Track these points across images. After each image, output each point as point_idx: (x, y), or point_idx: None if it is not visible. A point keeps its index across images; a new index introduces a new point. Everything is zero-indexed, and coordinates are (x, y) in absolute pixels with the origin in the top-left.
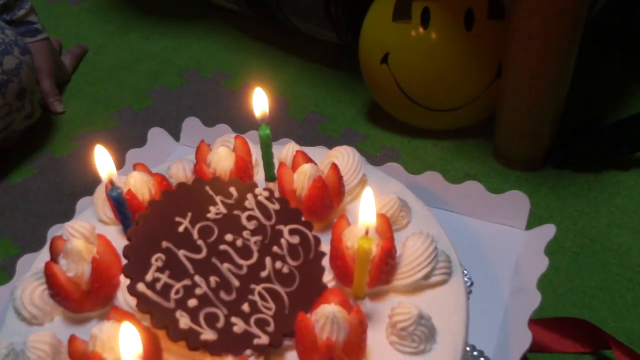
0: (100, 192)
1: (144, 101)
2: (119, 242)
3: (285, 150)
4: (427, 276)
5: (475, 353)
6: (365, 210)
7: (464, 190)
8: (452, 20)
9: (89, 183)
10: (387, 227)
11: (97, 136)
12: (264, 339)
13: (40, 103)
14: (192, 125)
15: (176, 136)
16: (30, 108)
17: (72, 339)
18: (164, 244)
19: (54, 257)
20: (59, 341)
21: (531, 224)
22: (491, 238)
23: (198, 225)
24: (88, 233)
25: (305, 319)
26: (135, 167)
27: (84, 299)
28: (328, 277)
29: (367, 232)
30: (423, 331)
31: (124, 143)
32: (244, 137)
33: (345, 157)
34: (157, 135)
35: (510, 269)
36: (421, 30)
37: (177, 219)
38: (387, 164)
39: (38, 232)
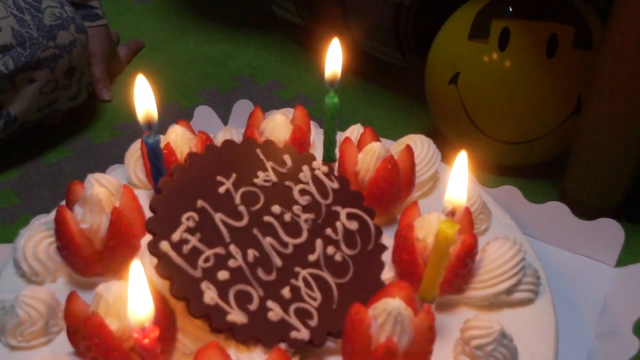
0: (134, 149)
1: (193, 100)
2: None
3: (351, 131)
4: (510, 290)
5: None
6: (456, 181)
7: (546, 211)
8: (533, 44)
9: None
10: (469, 221)
11: (140, 127)
12: (303, 334)
13: (89, 88)
14: (244, 109)
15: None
16: (77, 89)
17: (72, 295)
18: (200, 202)
19: (69, 205)
20: (57, 302)
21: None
22: (574, 271)
23: (242, 190)
24: (112, 187)
25: (361, 311)
26: (178, 122)
27: (95, 259)
28: (388, 275)
29: (452, 214)
30: (504, 354)
31: None
32: (304, 108)
33: (419, 145)
34: (204, 113)
35: (597, 308)
36: (498, 51)
37: (219, 178)
38: None
39: None
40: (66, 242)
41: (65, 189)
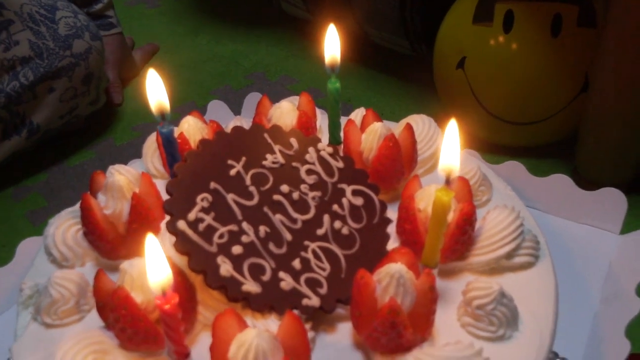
0: (151, 141)
1: (208, 98)
2: (165, 196)
3: (354, 114)
4: (510, 255)
5: None
6: (448, 149)
7: (549, 184)
8: (537, 25)
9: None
10: (467, 191)
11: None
12: (314, 301)
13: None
14: (254, 101)
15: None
16: (96, 94)
17: (100, 273)
18: (212, 184)
19: (93, 193)
20: (87, 282)
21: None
22: (579, 240)
23: (252, 172)
24: (131, 176)
25: (366, 276)
26: (190, 113)
27: (119, 243)
28: (393, 245)
29: (447, 182)
30: (504, 312)
31: None
32: (309, 95)
33: (420, 124)
34: (216, 107)
35: (602, 274)
36: (503, 34)
37: (230, 161)
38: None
39: None
40: (92, 228)
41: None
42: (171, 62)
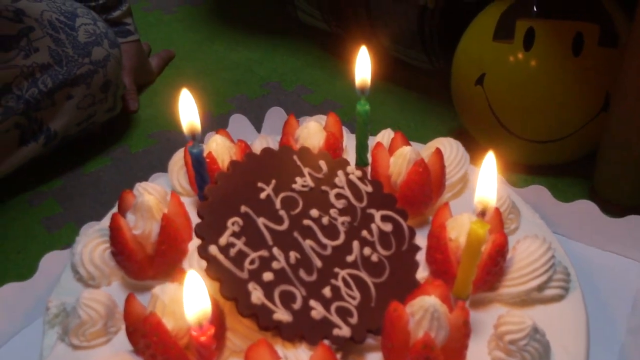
0: (177, 158)
1: (224, 106)
2: (192, 215)
3: (381, 135)
4: (541, 287)
5: None
6: (485, 183)
7: (574, 210)
8: (558, 43)
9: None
10: (499, 220)
11: (174, 135)
12: (345, 331)
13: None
14: (276, 116)
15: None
16: (113, 101)
17: (130, 297)
18: (243, 208)
19: (122, 212)
20: (115, 303)
21: None
22: (604, 269)
23: (281, 195)
24: (159, 195)
25: (399, 308)
26: (218, 132)
27: (147, 264)
28: (423, 274)
29: (483, 214)
30: (537, 348)
31: None
32: (337, 115)
33: (448, 149)
34: (238, 121)
35: (627, 304)
36: (523, 51)
37: (260, 184)
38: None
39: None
40: (120, 248)
41: (105, 197)
42: (187, 69)
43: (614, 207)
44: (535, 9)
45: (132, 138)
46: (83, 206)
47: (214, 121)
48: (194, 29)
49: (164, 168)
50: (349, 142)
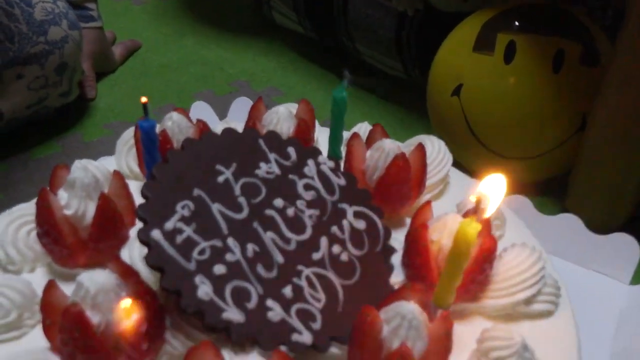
0: (127, 137)
1: (188, 101)
2: (138, 200)
3: (358, 127)
4: (529, 301)
5: None
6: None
7: (557, 224)
8: (539, 58)
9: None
10: (487, 224)
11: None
12: (305, 337)
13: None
14: (242, 106)
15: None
16: (68, 86)
17: (51, 283)
18: (196, 191)
19: (53, 190)
20: (34, 293)
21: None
22: (587, 288)
23: (242, 181)
24: (100, 174)
25: (372, 314)
26: (175, 109)
27: (79, 249)
28: (397, 278)
29: (476, 211)
30: None
31: None
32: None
33: (430, 147)
34: (201, 108)
35: (611, 327)
36: (503, 64)
37: (218, 167)
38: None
39: None
40: (48, 228)
41: None
42: (152, 61)
43: (587, 226)
44: (517, 23)
45: (87, 127)
46: (26, 194)
47: None
48: (163, 22)
49: None
50: (320, 135)
